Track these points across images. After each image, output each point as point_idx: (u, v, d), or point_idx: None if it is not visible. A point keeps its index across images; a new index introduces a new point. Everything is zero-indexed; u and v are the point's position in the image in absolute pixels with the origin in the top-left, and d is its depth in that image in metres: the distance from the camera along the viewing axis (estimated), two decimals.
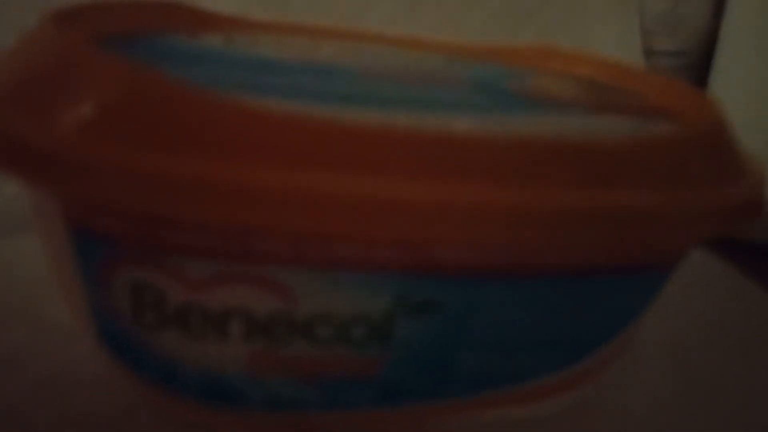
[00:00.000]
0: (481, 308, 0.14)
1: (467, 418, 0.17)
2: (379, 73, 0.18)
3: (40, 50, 0.14)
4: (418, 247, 0.13)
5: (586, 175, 0.13)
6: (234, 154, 0.12)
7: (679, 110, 0.19)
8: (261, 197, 0.12)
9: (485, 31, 0.39)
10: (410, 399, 0.16)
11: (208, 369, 0.15)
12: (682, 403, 0.20)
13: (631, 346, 0.18)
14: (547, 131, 0.15)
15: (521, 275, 0.14)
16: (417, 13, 0.38)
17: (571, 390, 0.17)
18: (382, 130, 0.12)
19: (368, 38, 0.23)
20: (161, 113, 0.12)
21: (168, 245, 0.13)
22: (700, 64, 0.45)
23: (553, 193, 0.13)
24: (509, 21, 0.39)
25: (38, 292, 0.21)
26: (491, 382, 0.16)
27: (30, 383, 0.17)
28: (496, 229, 0.12)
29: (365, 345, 0.14)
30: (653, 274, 0.16)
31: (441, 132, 0.13)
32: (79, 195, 0.12)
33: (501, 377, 0.16)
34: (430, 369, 0.15)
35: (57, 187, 0.12)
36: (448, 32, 0.38)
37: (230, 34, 0.21)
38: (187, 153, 0.12)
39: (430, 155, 0.12)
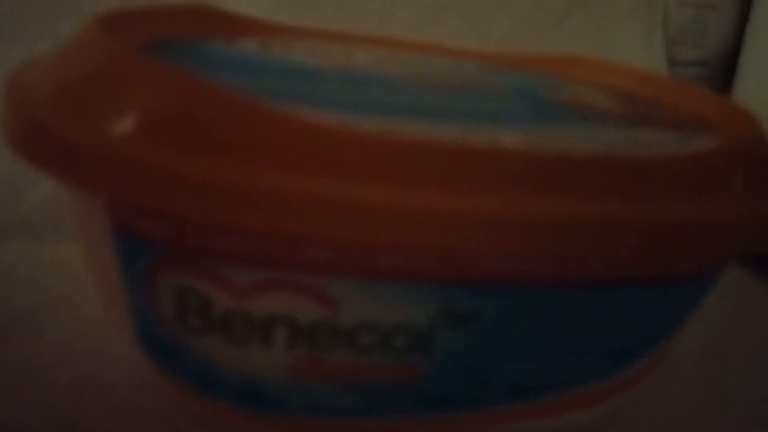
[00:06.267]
0: (523, 319, 0.14)
1: (504, 428, 0.17)
2: (417, 81, 0.18)
3: (86, 56, 0.14)
4: (462, 259, 0.13)
5: (632, 189, 0.13)
6: (281, 162, 0.12)
7: (717, 123, 0.19)
8: (307, 206, 0.12)
9: (509, 41, 0.39)
10: (449, 407, 0.16)
11: (249, 375, 0.15)
12: (715, 411, 0.19)
13: (668, 357, 0.18)
14: (592, 144, 0.15)
15: (562, 286, 0.14)
16: (441, 21, 0.38)
17: (608, 400, 0.17)
18: (430, 143, 0.12)
19: (402, 45, 0.23)
20: (209, 120, 0.12)
21: (214, 251, 0.13)
22: (722, 75, 0.45)
23: (599, 206, 0.13)
24: (532, 31, 0.39)
25: (74, 294, 0.21)
26: (529, 392, 0.16)
27: (67, 384, 0.17)
28: (541, 240, 0.12)
29: (407, 354, 0.14)
30: (694, 285, 0.16)
31: (489, 145, 0.13)
32: (126, 199, 0.12)
33: (539, 387, 0.16)
34: (469, 378, 0.15)
35: (104, 190, 0.12)
36: (472, 41, 0.38)
37: (265, 40, 0.21)
38: (234, 160, 0.12)
39: (478, 168, 0.12)
